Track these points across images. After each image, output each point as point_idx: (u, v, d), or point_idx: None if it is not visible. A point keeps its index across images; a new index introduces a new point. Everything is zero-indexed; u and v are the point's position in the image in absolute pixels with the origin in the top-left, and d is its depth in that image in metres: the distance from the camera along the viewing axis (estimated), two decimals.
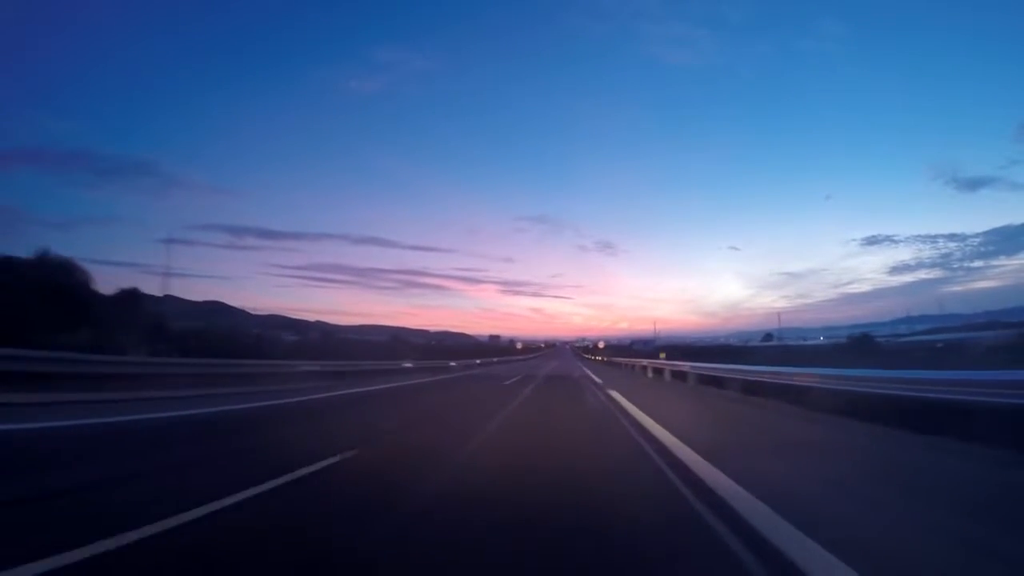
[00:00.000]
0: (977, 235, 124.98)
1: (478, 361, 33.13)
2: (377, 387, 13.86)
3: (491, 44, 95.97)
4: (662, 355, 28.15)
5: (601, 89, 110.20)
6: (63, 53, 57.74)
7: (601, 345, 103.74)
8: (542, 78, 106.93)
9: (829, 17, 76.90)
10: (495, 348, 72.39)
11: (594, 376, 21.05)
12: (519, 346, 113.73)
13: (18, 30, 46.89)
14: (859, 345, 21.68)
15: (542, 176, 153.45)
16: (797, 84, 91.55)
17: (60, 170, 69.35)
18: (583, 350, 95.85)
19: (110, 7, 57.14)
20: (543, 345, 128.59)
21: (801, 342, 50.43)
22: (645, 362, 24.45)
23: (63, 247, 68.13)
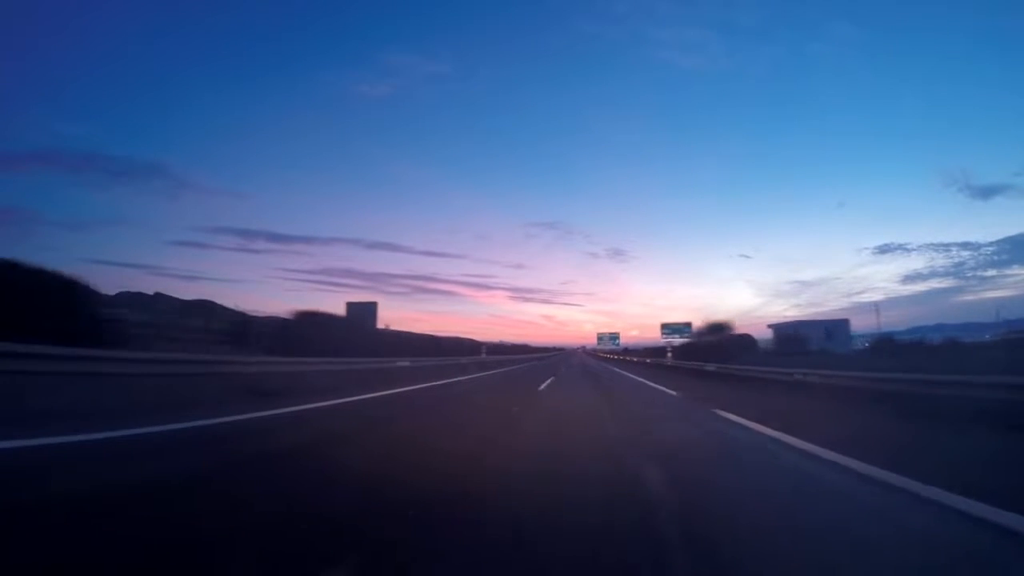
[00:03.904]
0: (991, 244, 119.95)
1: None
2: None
3: (500, 48, 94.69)
4: None
5: (611, 94, 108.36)
6: (74, 56, 57.70)
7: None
8: (552, 83, 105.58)
9: (841, 21, 74.46)
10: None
11: None
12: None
13: (28, 33, 46.76)
14: None
15: (552, 181, 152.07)
16: (809, 89, 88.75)
17: (71, 172, 69.65)
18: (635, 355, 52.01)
19: (120, 10, 57.00)
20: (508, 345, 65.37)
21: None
22: None
23: (74, 249, 68.62)
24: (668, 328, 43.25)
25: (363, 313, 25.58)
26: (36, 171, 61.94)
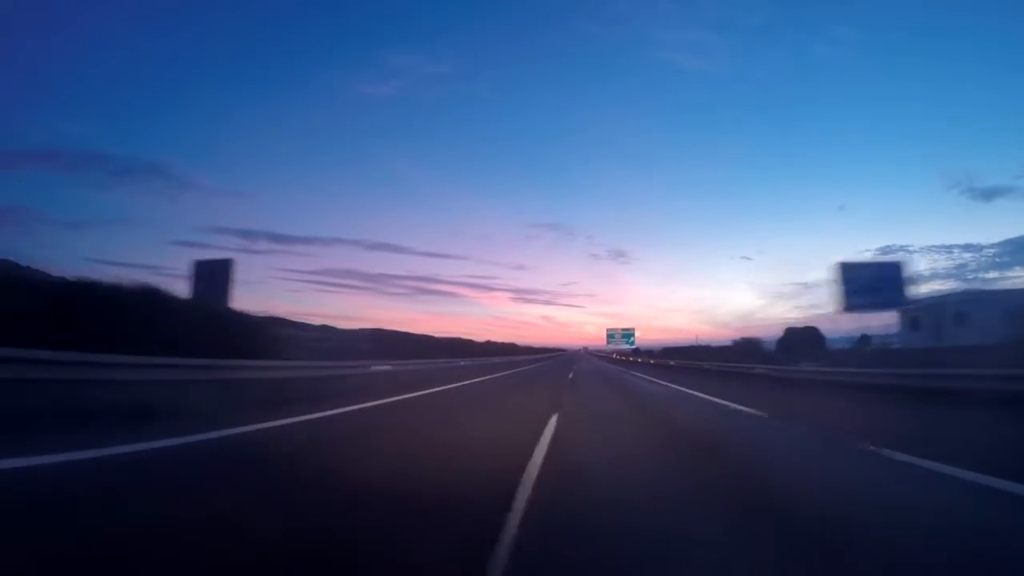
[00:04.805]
0: (993, 245, 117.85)
1: None
2: None
3: (503, 49, 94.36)
4: None
5: (613, 95, 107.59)
6: (76, 55, 58.27)
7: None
8: (554, 84, 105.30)
9: (844, 23, 73.89)
10: None
11: None
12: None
13: (31, 31, 47.38)
14: None
15: (554, 182, 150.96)
16: (811, 91, 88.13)
17: (73, 171, 70.00)
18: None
19: (123, 10, 57.68)
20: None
21: None
22: None
23: (75, 248, 69.40)
24: (851, 278, 19.00)
25: (213, 277, 16.53)
26: (37, 170, 62.61)
